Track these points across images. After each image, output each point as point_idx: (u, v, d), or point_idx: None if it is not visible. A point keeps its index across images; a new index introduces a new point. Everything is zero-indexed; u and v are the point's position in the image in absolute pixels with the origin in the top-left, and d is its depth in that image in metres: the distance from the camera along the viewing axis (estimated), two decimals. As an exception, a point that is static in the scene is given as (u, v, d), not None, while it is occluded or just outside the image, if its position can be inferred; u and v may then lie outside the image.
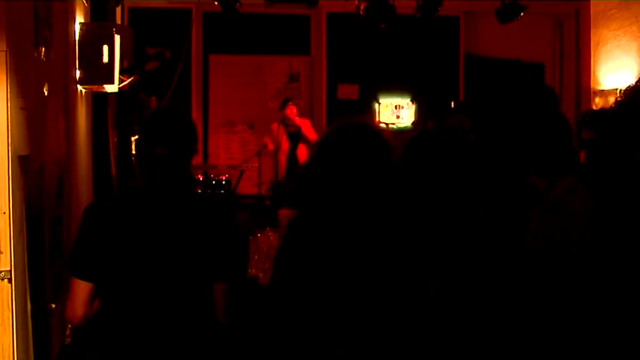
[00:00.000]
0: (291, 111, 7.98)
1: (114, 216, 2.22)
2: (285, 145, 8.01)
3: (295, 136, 7.97)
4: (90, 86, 4.37)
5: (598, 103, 7.97)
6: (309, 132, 7.82)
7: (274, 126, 8.13)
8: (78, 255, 2.22)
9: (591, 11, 8.17)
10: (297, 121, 7.97)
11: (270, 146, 8.13)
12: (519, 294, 1.81)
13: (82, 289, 2.18)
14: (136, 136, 2.26)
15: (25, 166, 2.70)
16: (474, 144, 2.40)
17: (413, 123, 9.43)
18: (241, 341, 2.25)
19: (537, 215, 1.79)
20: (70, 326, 3.61)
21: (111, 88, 4.45)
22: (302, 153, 7.84)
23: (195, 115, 9.20)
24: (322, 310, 1.93)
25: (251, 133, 9.30)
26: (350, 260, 1.92)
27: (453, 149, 2.19)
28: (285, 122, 8.02)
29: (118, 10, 6.15)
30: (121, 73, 4.47)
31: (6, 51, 2.50)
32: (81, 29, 4.17)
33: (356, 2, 7.53)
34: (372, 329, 1.93)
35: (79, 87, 4.32)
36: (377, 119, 9.35)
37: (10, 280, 2.52)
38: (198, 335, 2.24)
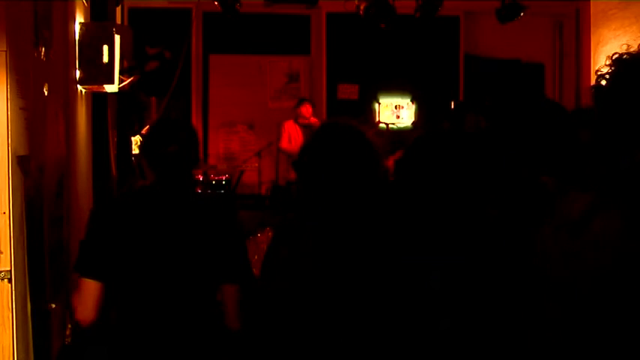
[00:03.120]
0: (307, 110, 7.99)
1: (122, 215, 2.23)
2: (300, 143, 7.97)
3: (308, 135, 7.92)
4: (90, 86, 4.37)
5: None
6: None
7: (289, 124, 8.08)
8: (86, 254, 2.22)
9: (591, 11, 8.16)
10: (312, 119, 7.99)
11: (284, 143, 8.03)
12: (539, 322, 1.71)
13: (91, 290, 2.18)
14: (140, 139, 2.34)
15: (25, 166, 2.70)
16: (486, 143, 2.39)
17: (413, 123, 9.43)
18: (245, 343, 2.25)
19: (555, 236, 1.65)
20: (70, 326, 3.61)
21: (111, 88, 4.45)
22: None
23: (195, 115, 9.21)
24: (314, 311, 1.93)
25: (251, 133, 9.29)
26: (338, 261, 1.93)
27: (463, 150, 2.19)
28: (299, 120, 8.01)
29: (118, 10, 6.15)
30: (121, 73, 4.47)
31: (6, 51, 2.50)
32: (81, 29, 4.17)
33: (356, 2, 7.53)
34: (363, 329, 1.93)
35: (79, 87, 4.32)
36: (377, 119, 9.35)
37: (10, 280, 2.51)
38: (206, 335, 2.25)
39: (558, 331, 1.59)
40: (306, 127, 7.94)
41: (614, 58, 1.58)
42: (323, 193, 1.99)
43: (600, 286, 1.48)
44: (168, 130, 2.34)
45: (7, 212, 2.51)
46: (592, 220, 1.52)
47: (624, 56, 1.56)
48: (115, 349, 2.23)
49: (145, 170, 2.34)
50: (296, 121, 8.05)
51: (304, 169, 2.04)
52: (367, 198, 1.98)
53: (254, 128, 9.28)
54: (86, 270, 2.19)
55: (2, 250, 2.51)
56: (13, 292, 2.53)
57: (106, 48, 4.15)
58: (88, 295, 2.18)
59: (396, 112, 9.47)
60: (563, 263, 1.58)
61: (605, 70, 1.61)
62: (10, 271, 2.52)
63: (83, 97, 4.55)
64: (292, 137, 7.99)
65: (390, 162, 3.45)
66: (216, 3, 7.21)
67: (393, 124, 9.41)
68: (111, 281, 2.19)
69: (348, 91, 9.41)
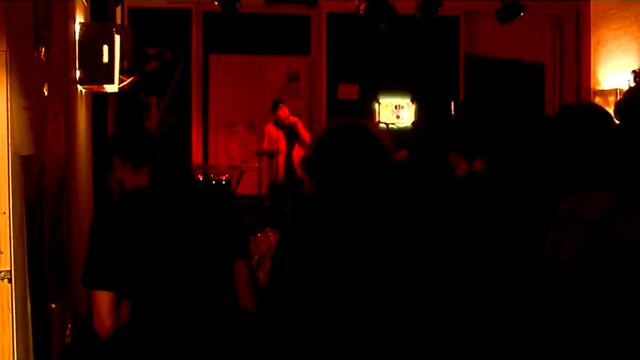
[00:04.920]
0: (284, 112, 7.92)
1: (124, 220, 2.22)
2: (282, 146, 7.96)
3: (291, 136, 7.92)
4: (90, 86, 4.37)
5: (598, 103, 7.96)
6: (303, 130, 7.83)
7: (269, 127, 8.07)
8: (93, 267, 2.20)
9: (591, 11, 8.16)
10: (291, 118, 7.93)
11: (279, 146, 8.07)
12: (543, 320, 1.68)
13: (104, 300, 2.16)
14: (114, 154, 2.42)
15: (25, 166, 2.70)
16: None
17: (413, 123, 9.43)
18: (256, 345, 2.25)
19: (567, 237, 1.63)
20: (70, 326, 3.62)
21: (111, 88, 4.46)
22: (297, 154, 7.83)
23: (195, 115, 9.21)
24: (320, 310, 1.93)
25: (251, 133, 9.30)
26: (348, 260, 1.92)
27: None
28: (278, 122, 7.95)
29: (118, 10, 6.15)
30: (121, 73, 4.47)
31: (6, 51, 2.50)
32: (81, 29, 4.17)
33: (356, 2, 7.52)
34: (371, 327, 1.93)
35: (79, 87, 4.32)
36: (377, 119, 9.34)
37: (10, 280, 2.52)
38: (224, 330, 2.26)
39: (566, 331, 1.58)
40: (284, 127, 7.92)
41: None
42: (335, 191, 1.98)
43: (625, 286, 1.46)
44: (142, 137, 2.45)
45: (7, 212, 2.51)
46: (613, 220, 1.49)
47: None
48: (134, 348, 2.22)
49: (124, 174, 2.43)
50: (275, 123, 7.99)
51: (315, 168, 2.04)
52: (378, 197, 1.98)
53: (254, 128, 9.28)
54: (95, 282, 2.18)
55: (2, 250, 2.51)
56: (13, 292, 2.53)
57: (106, 48, 4.15)
58: (102, 306, 2.16)
59: (396, 112, 9.47)
60: (578, 264, 1.55)
61: None
62: (10, 271, 2.52)
63: (83, 97, 4.55)
64: (272, 139, 7.96)
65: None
66: (216, 3, 7.21)
67: (393, 124, 9.41)
68: (122, 289, 2.18)
69: (348, 91, 9.41)
